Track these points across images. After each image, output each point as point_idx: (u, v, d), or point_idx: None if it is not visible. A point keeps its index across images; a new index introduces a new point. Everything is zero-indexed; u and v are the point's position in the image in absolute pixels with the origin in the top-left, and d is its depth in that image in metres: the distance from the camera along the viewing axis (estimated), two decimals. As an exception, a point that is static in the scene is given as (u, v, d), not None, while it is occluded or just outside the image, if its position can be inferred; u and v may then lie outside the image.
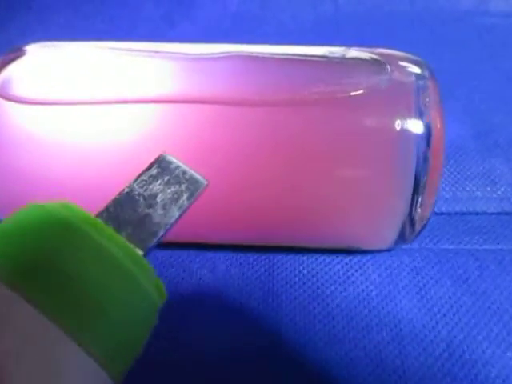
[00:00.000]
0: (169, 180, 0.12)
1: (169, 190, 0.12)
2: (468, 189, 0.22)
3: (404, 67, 0.17)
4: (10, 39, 0.31)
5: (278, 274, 0.18)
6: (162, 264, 0.19)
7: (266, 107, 0.16)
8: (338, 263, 0.18)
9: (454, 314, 0.17)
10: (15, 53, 0.19)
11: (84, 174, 0.17)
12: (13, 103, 0.17)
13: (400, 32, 0.31)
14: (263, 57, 0.18)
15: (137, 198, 0.12)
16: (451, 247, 0.19)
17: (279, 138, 0.16)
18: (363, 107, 0.16)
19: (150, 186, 0.12)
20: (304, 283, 0.18)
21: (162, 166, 0.13)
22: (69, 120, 0.17)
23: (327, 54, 0.18)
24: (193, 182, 0.12)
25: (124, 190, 0.12)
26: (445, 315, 0.17)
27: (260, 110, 0.16)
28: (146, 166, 0.17)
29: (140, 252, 0.11)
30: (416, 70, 0.17)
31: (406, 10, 0.32)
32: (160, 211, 0.12)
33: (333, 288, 0.17)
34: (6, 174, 0.17)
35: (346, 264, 0.18)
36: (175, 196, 0.12)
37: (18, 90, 0.17)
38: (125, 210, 0.12)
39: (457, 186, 0.22)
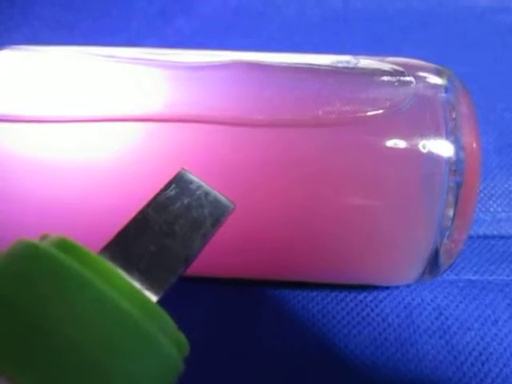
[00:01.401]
0: (189, 203, 0.10)
1: (190, 216, 0.10)
2: (492, 209, 0.20)
3: (429, 79, 0.15)
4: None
5: (283, 313, 0.16)
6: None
7: (272, 128, 0.14)
8: (352, 301, 0.16)
9: (483, 364, 0.15)
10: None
11: (63, 198, 0.15)
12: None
13: (412, 30, 0.28)
14: (268, 66, 0.15)
15: (152, 225, 0.10)
16: (474, 278, 0.17)
17: (287, 163, 0.14)
18: (386, 128, 0.14)
19: (168, 211, 0.10)
20: (313, 324, 0.16)
21: (181, 186, 0.10)
22: (44, 138, 0.15)
23: (340, 63, 0.16)
24: (217, 205, 0.10)
25: (136, 216, 0.10)
26: (473, 365, 0.15)
27: (265, 132, 0.14)
28: (132, 192, 0.15)
29: (154, 297, 0.09)
30: (443, 81, 0.15)
31: (419, 6, 0.30)
32: (179, 242, 0.10)
33: (346, 331, 0.15)
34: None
35: (361, 302, 0.16)
36: (197, 222, 0.10)
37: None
38: (137, 243, 0.10)
39: (479, 206, 0.20)
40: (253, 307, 0.16)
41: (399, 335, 0.15)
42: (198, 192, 0.10)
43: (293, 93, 0.14)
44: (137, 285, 0.09)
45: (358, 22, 0.28)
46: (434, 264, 0.15)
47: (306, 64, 0.16)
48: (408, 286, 0.17)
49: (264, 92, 0.14)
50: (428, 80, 0.15)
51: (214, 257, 0.16)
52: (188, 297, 0.17)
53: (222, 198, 0.11)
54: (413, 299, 0.16)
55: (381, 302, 0.16)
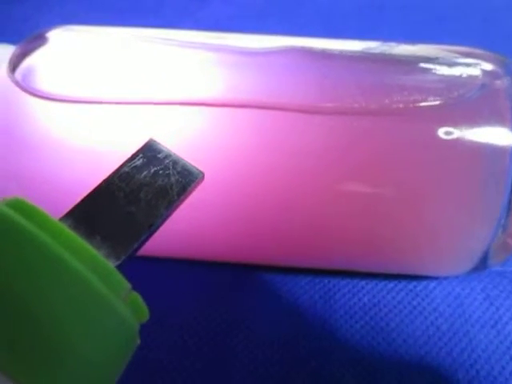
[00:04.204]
0: (156, 172, 0.10)
1: (156, 184, 0.10)
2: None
3: (490, 67, 0.15)
4: (26, 13, 0.28)
5: (335, 302, 0.16)
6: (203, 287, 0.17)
7: (339, 116, 0.14)
8: (402, 290, 0.16)
9: (536, 354, 0.15)
10: (37, 40, 0.16)
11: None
12: (35, 98, 0.15)
13: (449, 21, 0.28)
14: (326, 54, 0.15)
15: (116, 193, 0.10)
16: (520, 269, 0.17)
17: (353, 151, 0.14)
18: (453, 117, 0.14)
19: (134, 180, 0.10)
20: (365, 313, 0.16)
21: (149, 156, 0.11)
22: (97, 121, 0.14)
23: (398, 50, 0.15)
24: (185, 174, 0.10)
25: (101, 184, 0.10)
26: (526, 355, 0.15)
27: (333, 120, 0.14)
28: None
29: (115, 262, 0.09)
30: (503, 69, 0.15)
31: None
32: (143, 209, 0.10)
33: (398, 320, 0.15)
34: (20, 174, 0.15)
35: (411, 291, 0.16)
36: (163, 190, 0.10)
37: (41, 83, 0.15)
38: (100, 209, 0.10)
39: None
40: (301, 296, 0.16)
41: (451, 325, 0.15)
42: (166, 161, 0.11)
43: (355, 80, 0.14)
44: (95, 249, 0.09)
45: (394, 10, 0.28)
46: (488, 257, 0.15)
47: (363, 52, 0.15)
48: (456, 276, 0.17)
49: (326, 80, 0.14)
50: (489, 68, 0.15)
51: (259, 243, 0.16)
52: (238, 283, 0.17)
53: (191, 167, 0.11)
54: (462, 289, 0.16)
55: (431, 291, 0.16)
